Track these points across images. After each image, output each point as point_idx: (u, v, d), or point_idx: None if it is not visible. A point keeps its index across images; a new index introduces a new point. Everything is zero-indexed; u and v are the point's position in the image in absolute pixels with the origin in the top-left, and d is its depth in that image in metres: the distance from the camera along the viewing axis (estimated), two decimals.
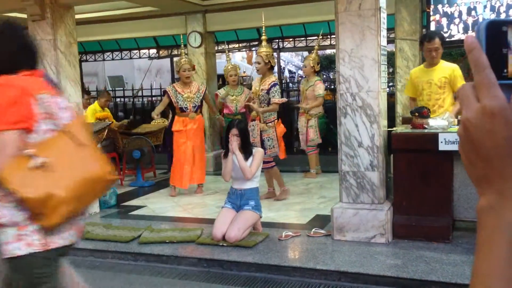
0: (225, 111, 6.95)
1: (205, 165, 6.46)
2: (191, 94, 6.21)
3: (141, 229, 4.71)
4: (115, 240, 4.46)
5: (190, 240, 4.36)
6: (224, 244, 4.17)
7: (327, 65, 13.48)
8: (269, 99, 5.58)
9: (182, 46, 6.83)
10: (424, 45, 4.59)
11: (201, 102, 6.35)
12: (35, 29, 5.26)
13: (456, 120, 4.25)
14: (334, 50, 13.17)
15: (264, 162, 5.69)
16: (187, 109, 6.23)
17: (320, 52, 8.32)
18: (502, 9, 6.29)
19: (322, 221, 4.78)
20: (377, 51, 4.00)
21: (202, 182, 6.38)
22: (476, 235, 0.52)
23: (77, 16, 5.61)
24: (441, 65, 4.62)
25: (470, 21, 6.49)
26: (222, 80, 9.81)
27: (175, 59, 11.51)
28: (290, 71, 16.73)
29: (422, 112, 4.25)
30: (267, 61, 5.62)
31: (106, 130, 6.69)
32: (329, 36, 8.75)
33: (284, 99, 6.30)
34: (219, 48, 9.26)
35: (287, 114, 8.28)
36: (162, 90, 8.21)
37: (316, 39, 8.95)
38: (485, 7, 6.39)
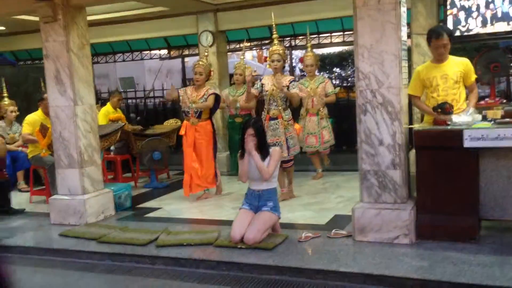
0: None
1: (211, 175, 6.05)
2: (197, 99, 5.93)
3: (158, 231, 4.63)
4: (131, 243, 4.39)
5: (207, 243, 4.27)
6: (243, 247, 4.08)
7: (338, 62, 13.35)
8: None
9: (208, 47, 6.57)
10: (432, 42, 4.43)
11: (211, 107, 6.01)
12: (47, 31, 5.20)
13: (480, 116, 4.12)
14: (346, 47, 13.03)
15: (286, 162, 5.65)
16: (189, 113, 5.99)
17: (324, 50, 8.23)
18: None
19: (341, 221, 4.67)
20: (398, 46, 3.88)
21: (197, 191, 6.06)
22: None
23: (87, 18, 5.55)
24: (451, 59, 4.48)
25: (488, 14, 6.32)
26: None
27: (186, 59, 11.48)
28: (301, 70, 16.58)
29: (445, 108, 4.12)
30: (284, 59, 5.63)
31: (120, 132, 6.64)
32: (342, 33, 8.62)
33: (304, 94, 6.14)
34: (230, 47, 9.18)
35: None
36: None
37: (327, 36, 8.84)
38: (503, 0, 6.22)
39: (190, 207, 5.80)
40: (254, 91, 5.65)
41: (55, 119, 5.29)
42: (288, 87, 5.49)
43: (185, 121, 6.11)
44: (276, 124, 5.57)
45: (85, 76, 5.34)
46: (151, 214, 5.53)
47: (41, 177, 6.89)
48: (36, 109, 6.78)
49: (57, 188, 5.42)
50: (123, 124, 6.93)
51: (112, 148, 7.24)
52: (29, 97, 8.54)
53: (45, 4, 5.10)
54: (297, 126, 6.04)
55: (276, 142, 5.53)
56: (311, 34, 8.87)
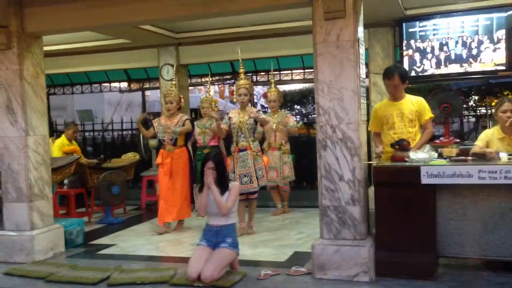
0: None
1: (186, 203, 6.05)
2: (171, 126, 5.97)
3: (110, 269, 4.40)
4: (81, 282, 4.12)
5: (163, 281, 4.08)
6: (200, 285, 3.91)
7: (299, 99, 13.56)
8: (255, 128, 5.67)
9: (173, 78, 6.50)
10: (384, 81, 4.62)
11: (186, 134, 6.10)
12: (0, 59, 5.01)
13: (436, 153, 4.19)
14: (306, 85, 13.28)
15: (251, 193, 5.65)
16: (165, 141, 6.02)
17: (285, 87, 8.34)
18: (474, 44, 6.43)
19: (301, 258, 4.58)
20: (357, 83, 3.94)
21: (178, 219, 6.03)
22: None
23: (45, 48, 5.40)
24: (407, 98, 4.62)
25: (442, 56, 6.60)
26: (195, 114, 9.69)
27: (146, 92, 11.37)
28: (262, 106, 16.75)
29: (403, 145, 4.18)
30: (251, 93, 5.72)
31: (74, 165, 6.39)
32: (302, 70, 8.77)
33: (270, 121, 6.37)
34: (192, 82, 9.17)
35: None
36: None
37: (288, 72, 8.98)
38: (456, 42, 6.52)
39: (146, 244, 5.57)
40: (223, 125, 5.65)
41: (4, 150, 5.04)
42: (255, 119, 5.58)
43: (161, 150, 6.10)
44: (245, 155, 5.59)
45: (38, 106, 5.14)
46: (104, 251, 5.27)
47: None
48: None
49: (3, 223, 5.10)
50: (78, 157, 6.69)
51: (65, 181, 6.95)
52: None
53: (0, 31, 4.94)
54: (265, 158, 6.05)
55: (246, 173, 5.53)
56: (273, 70, 9.05)
